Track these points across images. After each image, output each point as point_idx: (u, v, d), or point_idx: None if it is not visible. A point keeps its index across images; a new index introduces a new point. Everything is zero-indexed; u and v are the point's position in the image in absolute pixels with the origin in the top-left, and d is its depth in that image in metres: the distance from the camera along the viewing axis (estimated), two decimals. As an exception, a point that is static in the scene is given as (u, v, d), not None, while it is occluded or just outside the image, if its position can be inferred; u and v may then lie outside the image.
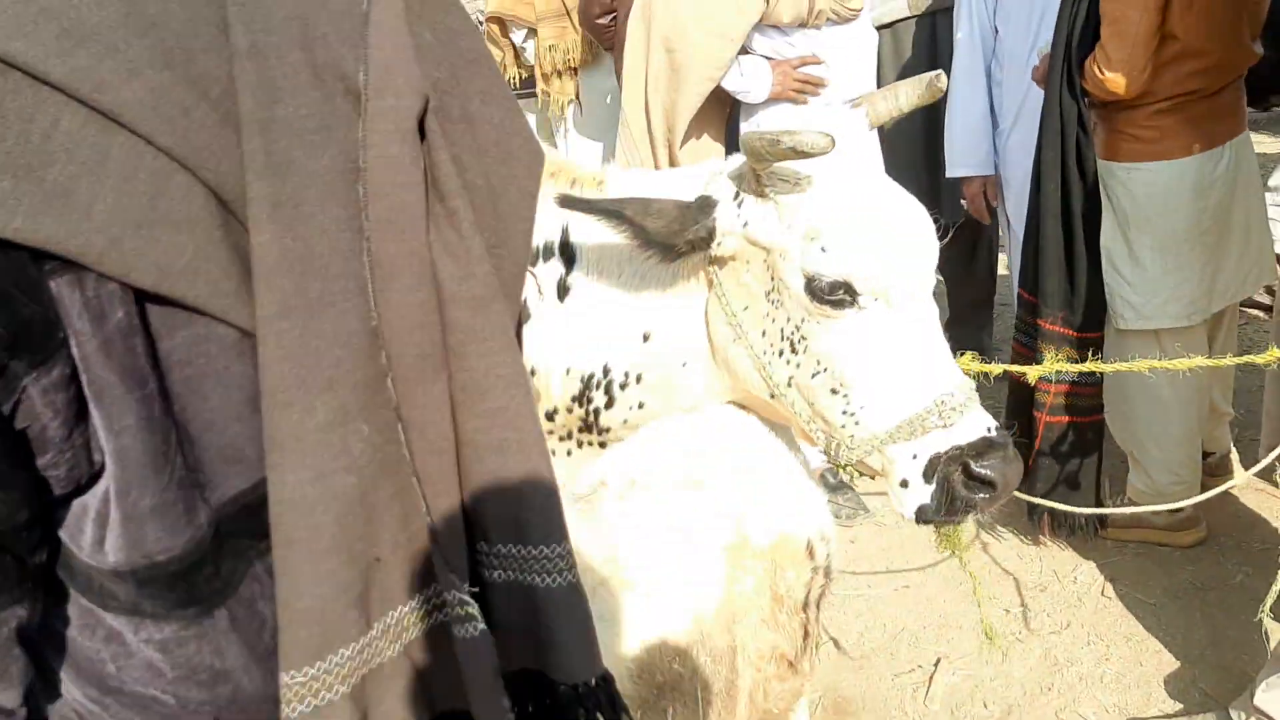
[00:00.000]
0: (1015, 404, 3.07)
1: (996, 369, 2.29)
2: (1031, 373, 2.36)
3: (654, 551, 1.71)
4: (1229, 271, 2.93)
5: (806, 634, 1.94)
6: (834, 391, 1.70)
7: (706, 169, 1.92)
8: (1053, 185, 2.78)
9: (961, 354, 2.20)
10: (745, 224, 1.73)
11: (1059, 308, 2.81)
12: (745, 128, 3.31)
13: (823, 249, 1.65)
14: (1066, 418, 2.95)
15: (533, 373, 2.05)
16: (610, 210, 1.76)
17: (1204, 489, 3.18)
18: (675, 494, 1.81)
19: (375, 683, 0.89)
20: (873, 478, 1.79)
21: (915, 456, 1.67)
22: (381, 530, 0.87)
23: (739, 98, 3.35)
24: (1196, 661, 2.82)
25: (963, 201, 3.90)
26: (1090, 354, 2.39)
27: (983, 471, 1.63)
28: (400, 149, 0.83)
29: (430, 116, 0.86)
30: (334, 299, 0.81)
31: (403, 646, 0.91)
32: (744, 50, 3.26)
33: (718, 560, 1.79)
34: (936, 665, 2.91)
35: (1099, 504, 3.12)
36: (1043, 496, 2.95)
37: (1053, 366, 2.36)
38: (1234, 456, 3.47)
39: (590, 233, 1.92)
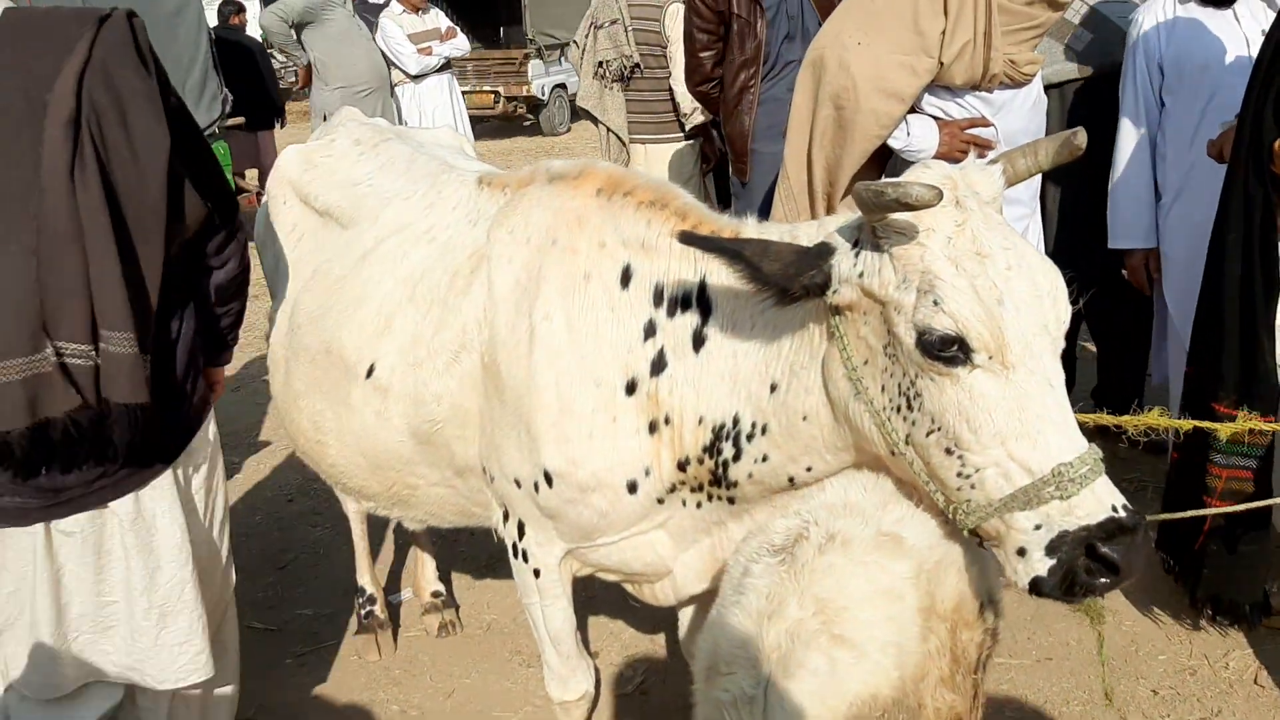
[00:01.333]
0: (1179, 487, 3.00)
1: (1187, 424, 2.25)
2: (1223, 430, 2.33)
3: (863, 610, 1.74)
4: None
5: (976, 694, 1.95)
6: (948, 452, 1.67)
7: (835, 220, 1.91)
8: (1236, 267, 2.74)
9: (1150, 409, 2.18)
10: (861, 274, 1.71)
11: (1234, 390, 2.76)
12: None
13: (935, 303, 1.61)
14: (1235, 503, 2.88)
15: (667, 421, 2.08)
16: (728, 249, 1.78)
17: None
18: (875, 553, 1.83)
19: (40, 384, 1.92)
20: (994, 546, 1.74)
21: (1038, 528, 1.61)
22: (47, 301, 1.91)
23: (904, 156, 3.36)
24: (1355, 761, 2.74)
25: (1123, 273, 3.84)
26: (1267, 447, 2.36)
27: (1109, 554, 1.57)
28: (57, 130, 1.91)
29: (84, 117, 1.92)
30: (16, 196, 1.92)
31: (56, 366, 1.92)
32: (911, 109, 3.26)
33: (915, 621, 1.81)
34: (1082, 741, 2.87)
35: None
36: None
37: (1246, 425, 2.32)
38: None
39: (725, 284, 1.93)
